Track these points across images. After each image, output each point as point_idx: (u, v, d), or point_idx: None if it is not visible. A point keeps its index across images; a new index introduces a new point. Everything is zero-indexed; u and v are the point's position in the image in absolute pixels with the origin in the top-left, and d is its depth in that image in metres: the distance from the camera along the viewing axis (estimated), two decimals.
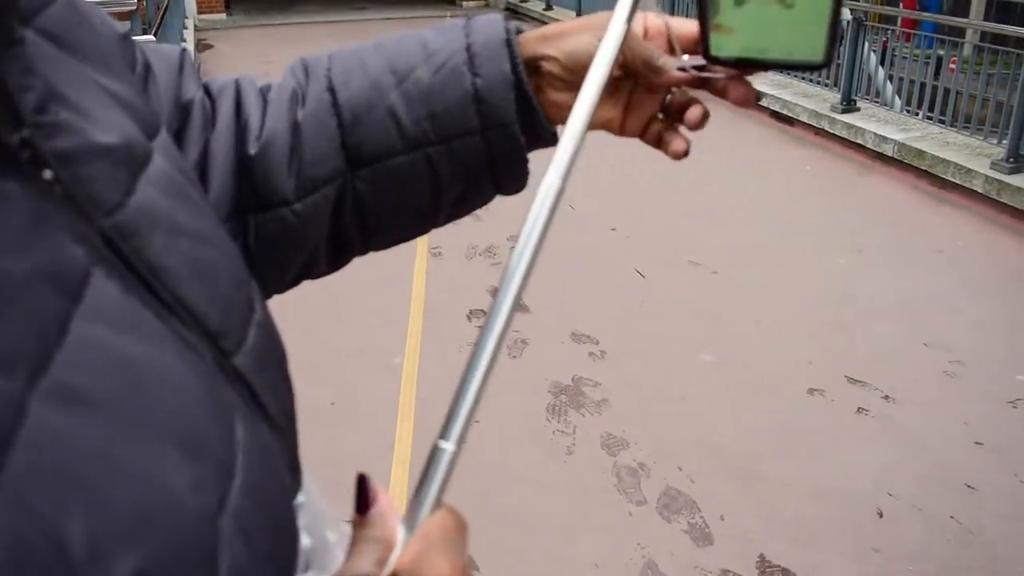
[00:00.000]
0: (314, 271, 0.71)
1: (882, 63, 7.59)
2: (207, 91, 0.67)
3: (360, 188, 0.67)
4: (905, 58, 7.32)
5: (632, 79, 0.66)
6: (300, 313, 4.11)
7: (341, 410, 3.40)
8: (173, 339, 0.40)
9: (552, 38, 0.65)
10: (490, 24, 0.66)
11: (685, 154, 0.65)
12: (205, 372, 0.42)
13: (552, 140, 0.69)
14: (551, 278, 4.39)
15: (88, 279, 0.37)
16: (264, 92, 0.68)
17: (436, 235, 5.21)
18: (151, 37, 5.77)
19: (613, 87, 0.65)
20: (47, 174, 0.38)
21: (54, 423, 0.31)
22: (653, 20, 0.66)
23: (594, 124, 0.66)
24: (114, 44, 0.54)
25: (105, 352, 0.36)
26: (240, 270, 0.52)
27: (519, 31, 0.67)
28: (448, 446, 0.45)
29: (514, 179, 0.69)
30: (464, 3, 16.33)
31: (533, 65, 0.65)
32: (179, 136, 0.63)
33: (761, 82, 8.37)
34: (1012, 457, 3.16)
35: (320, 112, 0.66)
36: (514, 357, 3.74)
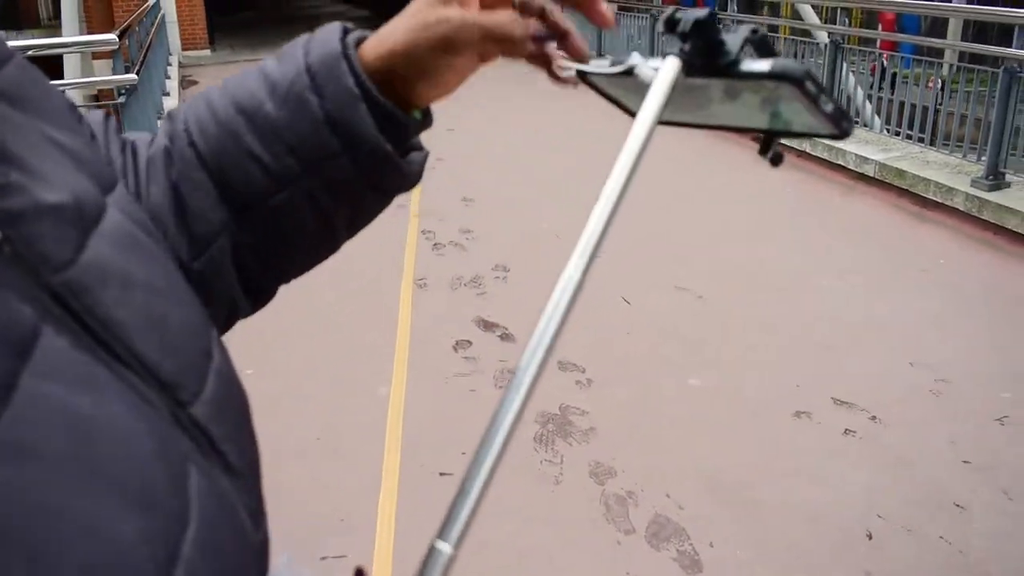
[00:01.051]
0: (240, 314, 0.70)
1: (881, 87, 7.58)
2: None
3: (250, 233, 0.65)
4: (906, 81, 7.39)
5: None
6: (284, 348, 4.10)
7: (327, 444, 3.38)
8: (126, 392, 0.41)
9: (393, 58, 0.61)
10: (326, 38, 0.62)
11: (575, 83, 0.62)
12: (158, 423, 0.42)
13: (427, 123, 0.66)
14: (537, 307, 4.37)
15: (37, 337, 0.37)
16: (147, 151, 0.67)
17: (421, 267, 5.24)
18: (134, 76, 5.77)
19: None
20: None
21: (1, 480, 0.32)
22: None
23: (452, 89, 0.64)
24: (66, 102, 0.55)
25: (54, 407, 0.36)
26: (196, 319, 0.52)
27: (360, 40, 0.63)
28: (446, 548, 0.44)
29: (398, 181, 0.66)
30: None
31: (386, 81, 0.62)
32: None
33: None
34: (1000, 475, 3.16)
35: (188, 169, 0.64)
36: (500, 387, 3.73)
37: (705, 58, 0.51)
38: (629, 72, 0.55)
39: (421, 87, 0.63)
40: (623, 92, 0.60)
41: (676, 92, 0.53)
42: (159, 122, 7.69)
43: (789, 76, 0.49)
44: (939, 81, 7.14)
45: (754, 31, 0.52)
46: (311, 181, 0.63)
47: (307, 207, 0.64)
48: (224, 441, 0.47)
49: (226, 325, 0.70)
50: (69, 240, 0.43)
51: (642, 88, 0.54)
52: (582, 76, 0.59)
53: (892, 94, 7.28)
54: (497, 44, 0.60)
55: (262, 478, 0.55)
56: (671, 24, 0.53)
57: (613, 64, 0.57)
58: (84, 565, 0.33)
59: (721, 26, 0.52)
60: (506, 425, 0.45)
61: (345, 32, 0.63)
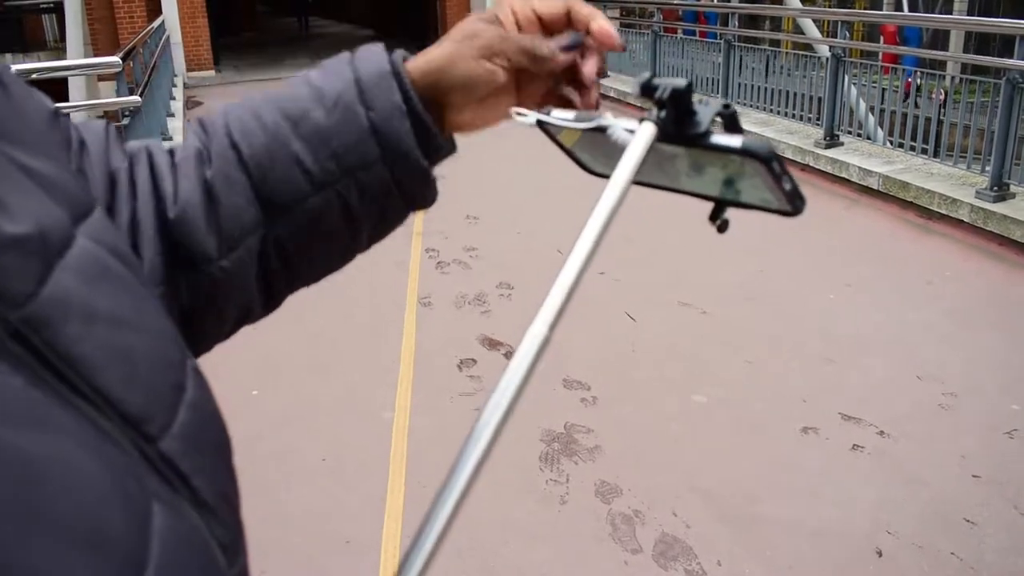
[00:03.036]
0: (251, 316, 0.73)
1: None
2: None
3: (280, 234, 0.68)
4: (920, 92, 7.35)
5: (519, 72, 0.69)
6: (290, 368, 4.09)
7: (332, 465, 3.37)
8: (85, 430, 0.40)
9: (438, 71, 0.67)
10: (374, 56, 0.68)
11: (597, 106, 0.69)
12: (119, 461, 0.41)
13: (453, 149, 0.72)
14: None
15: None
16: (172, 155, 0.69)
17: (426, 285, 5.24)
18: (138, 99, 5.80)
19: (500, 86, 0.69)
20: None
21: None
22: (521, 9, 0.69)
23: (488, 122, 0.71)
24: (45, 123, 0.54)
25: (2, 452, 0.35)
26: (169, 350, 0.51)
27: (405, 57, 0.69)
28: None
29: (424, 197, 0.72)
30: None
31: (430, 99, 0.68)
32: (110, 209, 0.64)
33: (745, 122, 8.44)
34: (1011, 489, 3.13)
35: (227, 169, 0.67)
36: None
37: (678, 127, 0.54)
38: (599, 129, 0.58)
39: (458, 99, 0.68)
40: (581, 146, 0.64)
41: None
42: (169, 141, 7.70)
43: (758, 155, 0.52)
44: (941, 93, 7.10)
45: (726, 106, 0.54)
46: (347, 184, 0.67)
47: (338, 211, 0.68)
48: (196, 475, 0.46)
49: (235, 326, 0.73)
50: (31, 273, 0.42)
51: (604, 146, 0.57)
52: (541, 125, 0.63)
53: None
54: (530, 58, 0.67)
55: (240, 511, 0.54)
56: (648, 89, 0.55)
57: (579, 119, 0.60)
58: None
59: (695, 97, 0.54)
60: (467, 473, 0.46)
61: (389, 51, 0.69)
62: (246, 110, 0.69)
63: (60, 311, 0.42)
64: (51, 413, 0.39)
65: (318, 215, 0.68)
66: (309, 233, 0.69)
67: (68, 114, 0.65)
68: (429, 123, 0.67)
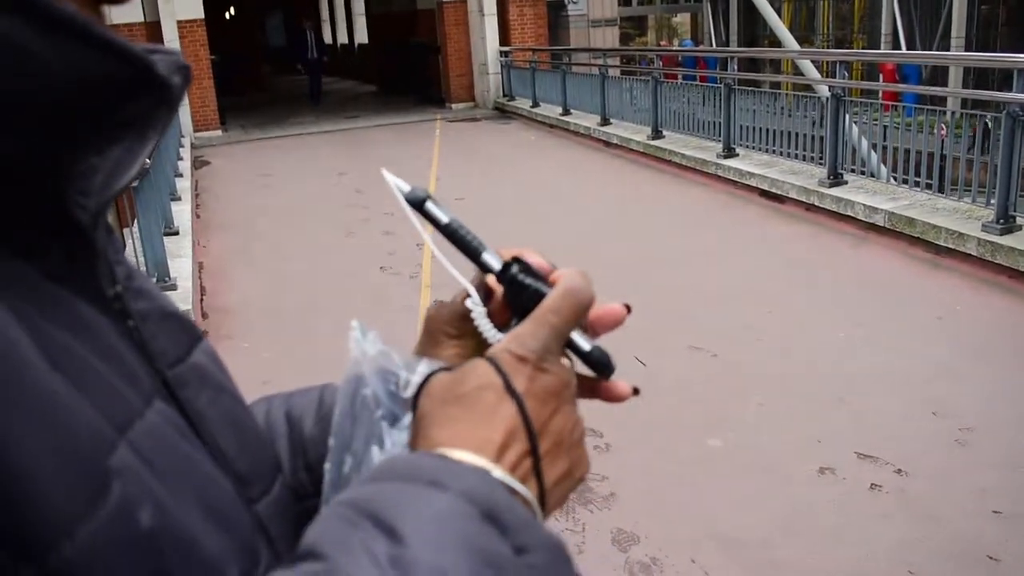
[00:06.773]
0: None
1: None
2: None
3: None
4: (909, 129, 7.39)
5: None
6: None
7: None
8: (213, 463, 0.50)
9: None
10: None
11: (629, 394, 0.62)
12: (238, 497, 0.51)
13: None
14: None
15: (152, 400, 0.46)
16: None
17: None
18: (146, 160, 5.84)
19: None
20: (130, 323, 0.49)
21: (130, 464, 0.40)
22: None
23: None
24: None
25: (167, 439, 0.45)
26: (265, 438, 0.62)
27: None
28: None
29: None
30: (453, 106, 16.68)
31: None
32: None
33: (749, 162, 8.49)
34: None
35: None
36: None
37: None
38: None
39: None
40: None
41: None
42: (171, 204, 7.79)
43: (601, 371, 0.59)
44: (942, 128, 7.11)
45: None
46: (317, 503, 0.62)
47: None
48: (280, 542, 0.54)
49: None
50: (182, 343, 0.53)
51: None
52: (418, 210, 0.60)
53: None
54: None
55: None
56: (507, 273, 0.58)
57: (467, 246, 0.61)
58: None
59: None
60: None
61: None
62: (268, 401, 0.71)
63: (198, 378, 0.53)
64: (193, 440, 0.49)
65: (302, 522, 0.63)
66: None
67: None
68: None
